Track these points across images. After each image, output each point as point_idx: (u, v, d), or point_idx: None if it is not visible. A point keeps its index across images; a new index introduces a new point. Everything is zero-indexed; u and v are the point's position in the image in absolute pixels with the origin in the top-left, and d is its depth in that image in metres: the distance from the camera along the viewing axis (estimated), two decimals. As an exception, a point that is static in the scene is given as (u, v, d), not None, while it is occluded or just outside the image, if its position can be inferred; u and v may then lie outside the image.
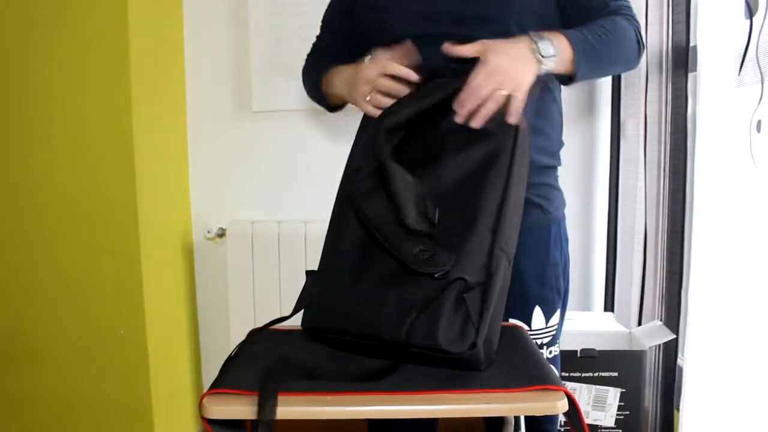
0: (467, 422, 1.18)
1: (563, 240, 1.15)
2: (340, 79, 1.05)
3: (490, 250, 0.79)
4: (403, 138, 0.92)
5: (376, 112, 0.94)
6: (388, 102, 0.94)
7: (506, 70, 0.86)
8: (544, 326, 1.10)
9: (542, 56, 0.89)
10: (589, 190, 1.95)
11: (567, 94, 1.90)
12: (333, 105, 1.17)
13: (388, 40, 1.01)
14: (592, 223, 1.96)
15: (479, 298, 0.77)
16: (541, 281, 1.09)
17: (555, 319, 1.11)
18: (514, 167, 0.83)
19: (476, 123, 0.87)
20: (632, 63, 1.07)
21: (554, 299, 1.11)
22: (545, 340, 1.10)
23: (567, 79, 0.98)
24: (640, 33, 1.04)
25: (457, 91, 0.89)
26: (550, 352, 1.12)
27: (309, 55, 1.25)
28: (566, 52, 0.92)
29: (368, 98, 0.95)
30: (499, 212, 0.81)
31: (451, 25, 0.99)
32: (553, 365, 1.10)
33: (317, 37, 1.26)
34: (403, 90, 0.94)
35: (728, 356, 1.46)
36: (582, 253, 1.97)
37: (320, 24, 1.25)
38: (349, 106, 1.10)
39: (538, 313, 1.09)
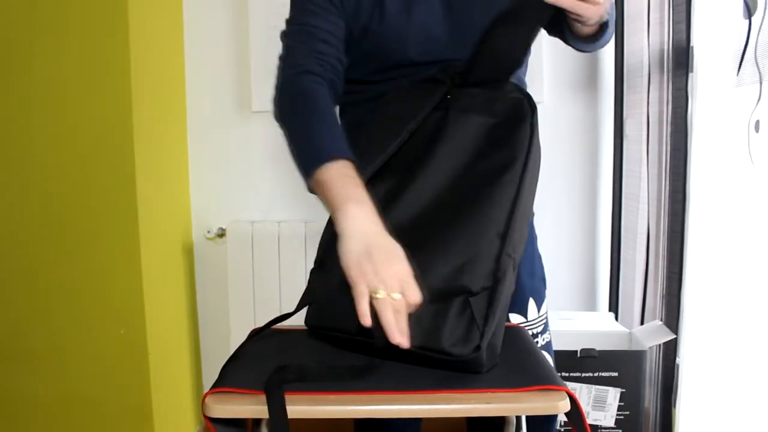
0: (450, 422, 1.19)
1: (535, 234, 1.18)
2: (357, 225, 0.81)
3: (498, 255, 0.80)
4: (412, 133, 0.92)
5: (366, 319, 0.76)
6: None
7: None
8: (537, 316, 1.13)
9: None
10: (593, 190, 1.96)
11: (569, 93, 1.92)
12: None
13: (403, 62, 1.01)
14: (596, 223, 1.97)
15: (485, 303, 0.78)
16: (531, 274, 1.12)
17: (544, 308, 1.15)
18: (527, 176, 0.84)
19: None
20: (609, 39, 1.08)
21: (542, 289, 1.16)
22: (539, 329, 1.13)
23: (582, 39, 0.98)
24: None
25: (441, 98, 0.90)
26: (544, 339, 1.14)
27: (293, 53, 1.00)
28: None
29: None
30: (509, 219, 0.82)
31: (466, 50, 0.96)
32: (547, 351, 1.13)
33: (299, 22, 1.01)
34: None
35: (724, 355, 1.46)
36: (587, 253, 1.98)
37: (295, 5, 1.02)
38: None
39: (531, 305, 1.12)
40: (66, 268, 1.69)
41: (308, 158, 0.88)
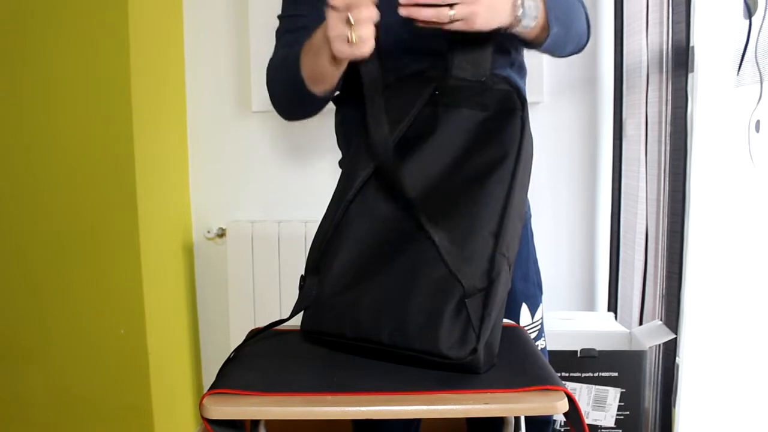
0: (449, 423, 1.19)
1: (532, 236, 1.17)
2: (316, 39, 0.88)
3: (492, 255, 0.79)
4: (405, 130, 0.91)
5: (364, 51, 0.81)
6: (369, 34, 0.81)
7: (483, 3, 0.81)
8: (530, 321, 1.12)
9: (522, 15, 0.87)
10: (592, 190, 1.96)
11: (569, 93, 1.92)
12: (319, 95, 0.98)
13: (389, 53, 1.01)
14: (595, 223, 1.97)
15: (480, 304, 0.77)
16: (525, 278, 1.11)
17: (539, 313, 1.14)
18: (518, 172, 0.83)
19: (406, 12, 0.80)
20: (582, 42, 1.05)
21: (537, 294, 1.14)
22: (533, 335, 1.12)
23: (531, 44, 0.96)
24: (588, 15, 1.04)
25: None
26: (538, 346, 1.13)
27: (274, 52, 1.08)
28: (541, 16, 0.90)
29: (349, 39, 0.80)
30: (502, 217, 0.80)
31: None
32: None
33: (282, 29, 1.08)
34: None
35: (724, 355, 1.46)
36: (585, 252, 1.98)
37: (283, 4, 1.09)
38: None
39: (524, 310, 1.11)
40: (66, 268, 1.69)
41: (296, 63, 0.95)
